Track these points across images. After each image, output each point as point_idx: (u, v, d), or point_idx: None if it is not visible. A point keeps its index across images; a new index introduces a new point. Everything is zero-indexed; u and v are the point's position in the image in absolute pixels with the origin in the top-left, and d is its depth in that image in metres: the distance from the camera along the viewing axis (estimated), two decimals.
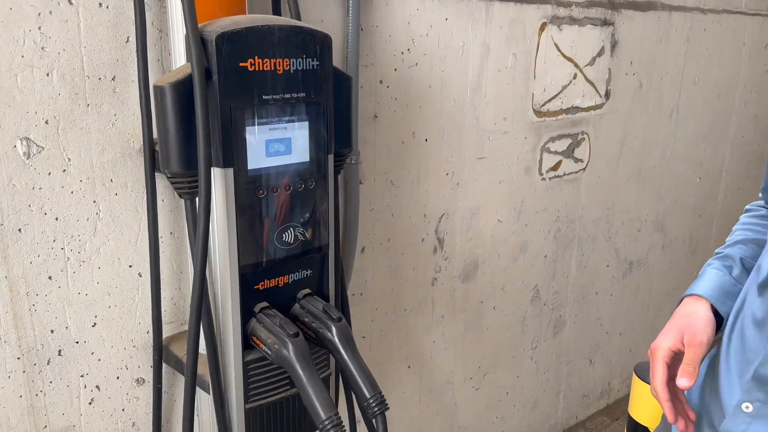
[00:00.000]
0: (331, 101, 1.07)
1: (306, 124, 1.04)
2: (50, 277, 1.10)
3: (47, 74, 1.03)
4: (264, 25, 0.95)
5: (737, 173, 2.89)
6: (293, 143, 1.04)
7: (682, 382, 0.88)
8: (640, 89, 2.23)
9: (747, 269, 1.02)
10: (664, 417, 1.18)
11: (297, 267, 1.11)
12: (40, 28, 1.00)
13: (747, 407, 0.88)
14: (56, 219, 1.08)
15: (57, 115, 1.05)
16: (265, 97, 0.98)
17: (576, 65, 1.96)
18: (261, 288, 1.07)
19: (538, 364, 2.24)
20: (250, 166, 1.00)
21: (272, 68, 0.97)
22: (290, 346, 1.01)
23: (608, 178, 2.23)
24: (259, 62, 0.96)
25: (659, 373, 0.93)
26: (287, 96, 1.00)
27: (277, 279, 1.09)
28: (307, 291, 1.13)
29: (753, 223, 1.09)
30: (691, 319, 0.96)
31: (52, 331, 1.12)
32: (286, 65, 0.99)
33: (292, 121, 1.02)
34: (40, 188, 1.06)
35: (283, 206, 1.05)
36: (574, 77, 1.97)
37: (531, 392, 2.26)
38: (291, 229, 1.07)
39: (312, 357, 1.05)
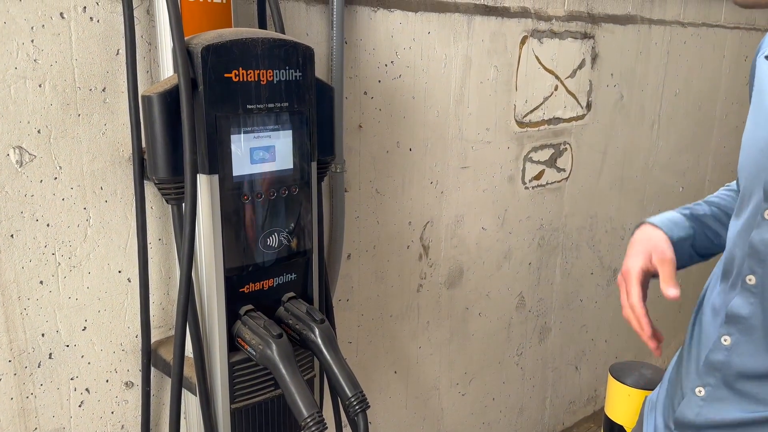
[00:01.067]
0: (313, 111, 1.11)
1: (289, 132, 1.08)
2: (41, 282, 1.13)
3: (40, 85, 1.06)
4: (248, 38, 1.00)
5: (720, 183, 2.94)
6: (277, 151, 1.08)
7: (671, 291, 0.91)
8: (621, 100, 2.29)
9: (699, 215, 1.07)
10: (639, 420, 1.22)
11: (281, 271, 1.14)
12: (33, 41, 1.05)
13: (700, 391, 0.92)
14: (48, 225, 1.12)
15: (49, 125, 1.09)
16: (249, 106, 1.02)
17: (557, 77, 2.01)
18: (246, 291, 1.11)
19: (524, 371, 2.27)
20: (234, 173, 1.03)
21: (256, 79, 1.01)
22: (274, 347, 1.04)
23: (591, 188, 2.28)
24: (243, 73, 1.00)
25: (635, 290, 0.95)
26: (271, 105, 1.04)
27: (261, 282, 1.12)
28: (291, 294, 1.17)
29: (723, 193, 1.14)
30: (654, 241, 1.00)
31: (42, 335, 1.15)
32: (270, 76, 1.03)
33: (276, 129, 1.07)
34: (32, 195, 1.09)
35: (267, 212, 1.08)
36: (556, 89, 2.02)
37: (517, 398, 2.29)
38: (275, 233, 1.10)
39: (296, 358, 1.08)
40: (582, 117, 2.15)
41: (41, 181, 1.10)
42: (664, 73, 2.45)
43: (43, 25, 1.05)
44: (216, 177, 1.02)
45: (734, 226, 0.91)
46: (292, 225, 1.12)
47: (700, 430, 0.93)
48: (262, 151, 1.06)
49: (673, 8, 2.39)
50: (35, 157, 1.08)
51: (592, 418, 2.64)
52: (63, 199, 1.13)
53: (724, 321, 0.89)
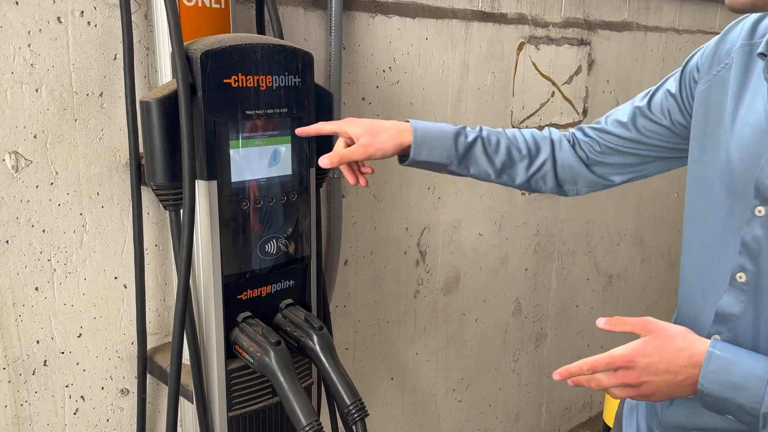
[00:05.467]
0: (312, 116, 1.11)
1: (288, 138, 1.08)
2: (37, 288, 1.12)
3: (36, 90, 1.06)
4: (247, 44, 0.99)
5: None
6: (276, 157, 1.07)
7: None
8: (617, 107, 2.29)
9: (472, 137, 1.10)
10: (616, 423, 1.21)
11: (279, 277, 1.14)
12: (30, 45, 1.04)
13: None
14: (43, 231, 1.11)
15: (45, 130, 1.08)
16: (248, 112, 1.01)
17: (553, 83, 2.02)
18: (244, 298, 1.10)
19: (520, 377, 2.27)
20: (233, 179, 1.03)
21: (255, 85, 1.01)
22: (272, 354, 1.03)
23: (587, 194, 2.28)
24: (242, 79, 0.99)
25: None
26: (270, 111, 1.04)
27: (259, 289, 1.12)
28: (289, 301, 1.16)
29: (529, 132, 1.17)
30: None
31: (37, 342, 1.14)
32: (269, 82, 1.02)
33: (275, 135, 1.06)
34: (28, 201, 1.08)
35: (266, 218, 1.08)
36: (552, 95, 2.02)
37: (513, 404, 2.28)
38: (273, 240, 1.10)
39: (294, 366, 1.07)
40: (578, 123, 2.15)
41: (37, 186, 1.09)
42: (660, 80, 2.46)
43: (41, 30, 1.04)
44: (215, 183, 1.01)
45: (713, 227, 0.91)
46: (291, 231, 1.12)
47: None
48: (261, 157, 1.05)
49: (668, 15, 2.40)
50: (31, 162, 1.07)
51: (587, 425, 2.64)
52: (59, 205, 1.12)
53: (713, 320, 0.89)
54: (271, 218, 1.09)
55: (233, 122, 1.00)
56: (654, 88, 1.09)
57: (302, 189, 1.12)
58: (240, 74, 0.99)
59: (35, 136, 1.07)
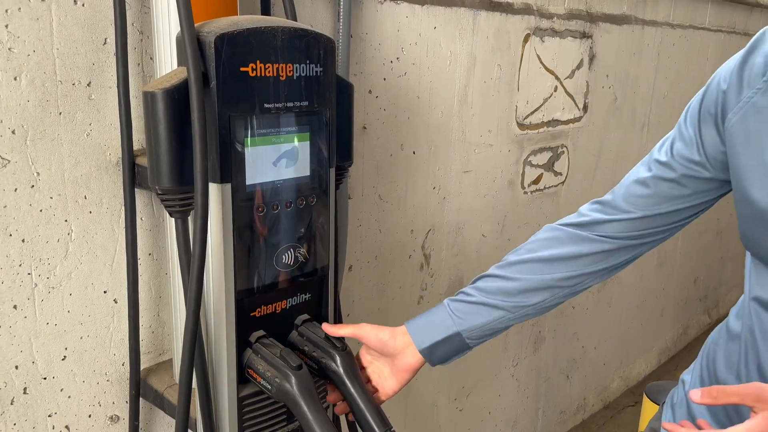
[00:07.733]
0: (333, 111, 0.99)
1: (308, 135, 0.96)
2: (15, 306, 0.97)
3: (15, 78, 0.91)
4: (267, 27, 0.87)
5: None
6: (294, 156, 0.95)
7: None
8: (615, 102, 2.23)
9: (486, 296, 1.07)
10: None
11: (296, 291, 1.01)
12: (7, 26, 0.89)
13: None
14: (23, 241, 0.96)
15: (25, 124, 0.93)
16: (266, 105, 0.89)
17: (557, 78, 1.93)
18: (257, 315, 0.97)
19: (519, 382, 2.19)
20: (248, 182, 0.90)
21: (275, 74, 0.88)
22: (293, 380, 0.91)
23: (585, 192, 2.22)
24: (261, 67, 0.87)
25: None
26: (289, 105, 0.91)
27: (274, 305, 0.99)
28: (305, 317, 1.04)
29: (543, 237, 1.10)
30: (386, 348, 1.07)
31: (16, 367, 0.99)
32: (290, 71, 0.90)
33: (293, 132, 0.94)
34: (5, 206, 0.94)
35: (283, 225, 0.95)
36: (555, 90, 1.94)
37: (512, 411, 2.20)
38: (291, 249, 0.97)
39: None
40: (579, 119, 2.08)
41: (16, 189, 0.94)
42: (655, 75, 2.41)
43: (20, 8, 0.90)
44: (228, 186, 0.88)
45: None
46: (310, 239, 1.00)
47: None
48: (279, 157, 0.93)
49: (664, 9, 2.35)
50: (9, 161, 0.93)
51: (581, 427, 2.58)
52: (41, 211, 0.97)
53: None
54: (288, 225, 0.96)
55: (250, 116, 0.87)
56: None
57: (321, 191, 1.00)
58: (258, 62, 0.86)
59: (13, 132, 0.92)
